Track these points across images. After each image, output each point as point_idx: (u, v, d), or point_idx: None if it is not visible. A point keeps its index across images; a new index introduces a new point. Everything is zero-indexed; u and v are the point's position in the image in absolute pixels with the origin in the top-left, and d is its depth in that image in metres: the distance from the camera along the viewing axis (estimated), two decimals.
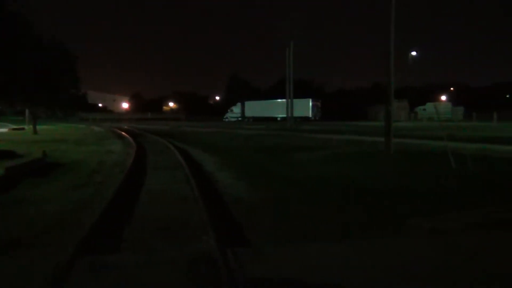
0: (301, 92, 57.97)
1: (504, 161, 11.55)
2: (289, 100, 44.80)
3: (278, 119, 62.62)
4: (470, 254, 4.18)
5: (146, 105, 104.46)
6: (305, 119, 60.53)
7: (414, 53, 64.27)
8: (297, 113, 52.34)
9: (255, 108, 69.69)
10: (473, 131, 26.30)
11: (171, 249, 4.74)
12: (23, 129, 35.32)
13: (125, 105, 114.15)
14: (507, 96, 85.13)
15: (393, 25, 14.00)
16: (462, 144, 10.75)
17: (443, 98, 76.30)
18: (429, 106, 60.37)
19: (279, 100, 61.36)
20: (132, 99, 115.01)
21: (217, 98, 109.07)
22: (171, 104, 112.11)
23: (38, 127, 31.06)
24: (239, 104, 72.65)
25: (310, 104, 63.08)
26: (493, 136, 21.69)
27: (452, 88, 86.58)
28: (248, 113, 70.63)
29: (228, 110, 74.24)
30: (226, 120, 71.61)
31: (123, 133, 29.63)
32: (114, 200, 6.84)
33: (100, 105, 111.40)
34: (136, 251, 4.71)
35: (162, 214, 6.33)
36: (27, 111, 37.97)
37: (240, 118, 70.91)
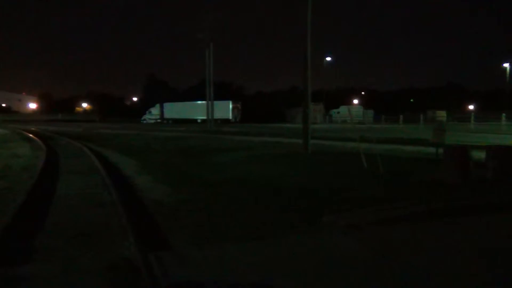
0: (221, 94, 58.17)
1: (409, 159, 12.52)
2: (210, 102, 44.73)
3: (199, 121, 62.22)
4: (384, 247, 4.49)
5: (56, 106, 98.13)
6: (226, 121, 60.79)
7: (328, 58, 67.53)
8: (218, 115, 52.42)
9: (175, 109, 68.59)
10: (382, 132, 28.13)
11: (90, 257, 4.52)
12: None
13: (32, 106, 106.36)
14: (411, 100, 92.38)
15: (309, 32, 14.55)
16: (372, 145, 11.46)
17: (355, 101, 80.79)
18: (343, 109, 63.67)
19: (199, 102, 60.98)
20: (41, 99, 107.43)
21: (135, 99, 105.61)
22: (84, 105, 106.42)
23: None
24: (157, 106, 71.03)
25: (231, 106, 63.47)
26: (399, 137, 23.41)
27: (363, 92, 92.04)
28: (168, 114, 69.32)
29: (146, 112, 72.26)
30: (144, 122, 69.68)
31: (31, 135, 27.60)
32: (23, 208, 6.37)
33: (3, 105, 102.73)
34: (50, 260, 4.43)
35: (79, 220, 6.02)
36: None
37: (159, 120, 69.37)
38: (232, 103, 63.92)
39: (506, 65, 68.58)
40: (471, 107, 74.06)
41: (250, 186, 8.60)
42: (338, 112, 65.54)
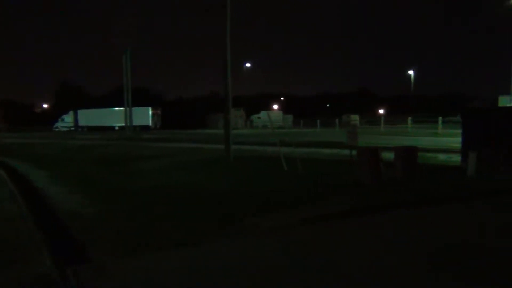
0: (140, 100, 56.50)
1: (327, 162, 13.12)
2: (127, 108, 43.32)
3: (116, 128, 59.92)
4: (306, 246, 4.66)
5: None
6: (145, 128, 59.17)
7: (248, 64, 68.57)
8: (137, 121, 50.88)
9: (90, 116, 65.43)
10: (301, 136, 29.10)
11: (3, 275, 4.18)
12: None
13: None
14: (328, 105, 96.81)
15: (229, 38, 14.70)
16: (292, 149, 11.84)
17: (275, 106, 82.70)
18: (263, 114, 64.87)
19: (117, 108, 58.79)
20: None
21: (45, 106, 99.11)
22: None
23: None
24: (71, 113, 67.31)
25: (150, 112, 61.94)
26: (317, 140, 24.40)
27: (282, 98, 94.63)
28: (82, 122, 65.96)
29: (59, 119, 68.14)
30: (57, 130, 65.65)
31: None
32: None
33: None
34: None
35: None
36: None
37: (73, 128, 65.75)
38: (152, 109, 62.43)
39: (411, 72, 74.38)
40: (381, 111, 79.04)
41: (173, 193, 8.46)
42: (259, 117, 66.67)
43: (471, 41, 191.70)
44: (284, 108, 79.09)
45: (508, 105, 29.41)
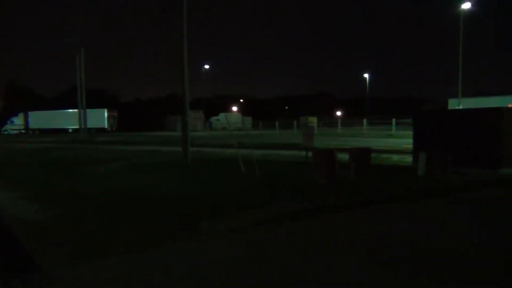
0: (95, 101, 55.02)
1: (285, 163, 13.27)
2: (82, 110, 42.03)
3: (70, 130, 58.07)
4: (258, 247, 4.69)
5: None
6: (101, 130, 57.70)
7: (207, 66, 68.29)
8: (92, 124, 49.50)
9: (42, 119, 63.02)
10: (260, 138, 29.26)
11: None
12: None
13: None
14: (286, 107, 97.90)
15: (185, 38, 14.59)
16: (250, 151, 11.90)
17: (234, 108, 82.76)
18: (222, 116, 64.72)
19: (70, 110, 57.02)
20: None
21: None
22: None
23: None
24: (21, 115, 64.59)
25: (106, 114, 60.43)
26: (275, 142, 24.62)
27: (241, 100, 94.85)
28: (34, 124, 63.41)
29: (8, 122, 65.18)
30: (6, 133, 62.81)
31: None
32: None
33: None
34: None
35: None
36: None
37: (23, 131, 63.10)
38: (108, 111, 60.94)
39: (366, 75, 76.56)
40: (338, 113, 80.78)
41: (129, 197, 8.29)
42: (218, 120, 66.48)
43: (428, 46, 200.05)
44: (243, 110, 79.26)
45: (457, 107, 30.77)
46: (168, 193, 8.50)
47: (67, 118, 59.15)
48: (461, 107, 30.48)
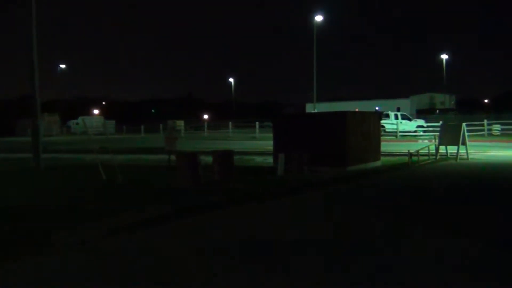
0: None
1: (147, 168, 12.97)
2: None
3: None
4: (110, 257, 4.51)
5: None
6: None
7: (63, 66, 63.37)
8: None
9: None
10: (123, 143, 28.10)
11: None
12: None
13: None
14: (153, 110, 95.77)
15: (35, 33, 13.39)
16: (112, 156, 11.32)
17: (96, 111, 78.19)
18: (81, 120, 60.53)
19: None
20: None
21: None
22: None
23: None
24: None
25: None
26: (139, 147, 23.90)
27: (104, 102, 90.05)
28: None
29: None
30: None
31: None
32: None
33: None
34: None
35: None
36: None
37: None
38: None
39: (231, 80, 78.92)
40: (205, 116, 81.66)
41: None
42: (77, 123, 61.98)
43: (292, 54, 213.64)
44: (107, 113, 75.33)
45: (312, 111, 33.48)
46: (16, 206, 7.63)
47: None
48: (315, 110, 33.23)
